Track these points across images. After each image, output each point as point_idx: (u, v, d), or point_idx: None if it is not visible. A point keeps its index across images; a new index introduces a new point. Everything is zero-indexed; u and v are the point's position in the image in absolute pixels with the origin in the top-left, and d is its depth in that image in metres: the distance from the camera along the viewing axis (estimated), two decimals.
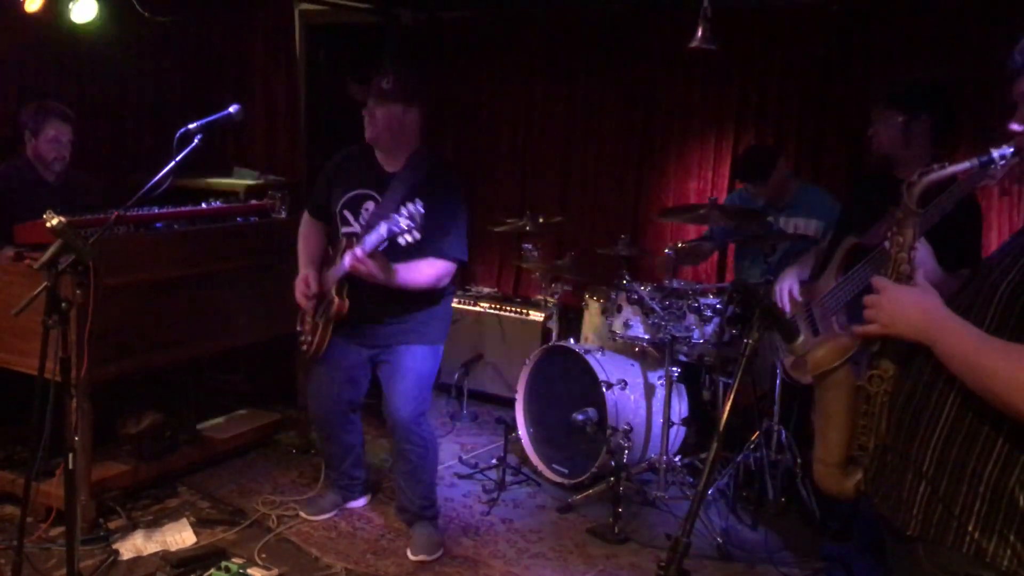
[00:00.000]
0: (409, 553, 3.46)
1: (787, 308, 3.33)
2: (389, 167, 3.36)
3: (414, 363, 3.41)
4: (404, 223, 2.97)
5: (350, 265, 3.11)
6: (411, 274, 3.22)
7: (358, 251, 3.07)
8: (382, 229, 3.02)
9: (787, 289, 3.34)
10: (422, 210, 2.97)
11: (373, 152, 3.39)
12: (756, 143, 4.84)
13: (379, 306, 3.33)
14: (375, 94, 3.26)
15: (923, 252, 1.79)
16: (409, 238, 3.04)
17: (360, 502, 3.88)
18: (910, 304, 1.59)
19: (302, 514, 3.74)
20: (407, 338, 3.40)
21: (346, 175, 3.43)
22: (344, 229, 3.39)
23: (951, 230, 2.53)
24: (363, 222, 3.32)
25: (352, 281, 3.26)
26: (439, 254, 3.25)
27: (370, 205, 3.33)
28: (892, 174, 3.14)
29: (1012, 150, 1.62)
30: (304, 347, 3.52)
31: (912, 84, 3.15)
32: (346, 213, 3.38)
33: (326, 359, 3.50)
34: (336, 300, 3.31)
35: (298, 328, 3.57)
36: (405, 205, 2.98)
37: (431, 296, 3.36)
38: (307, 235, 3.55)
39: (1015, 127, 1.63)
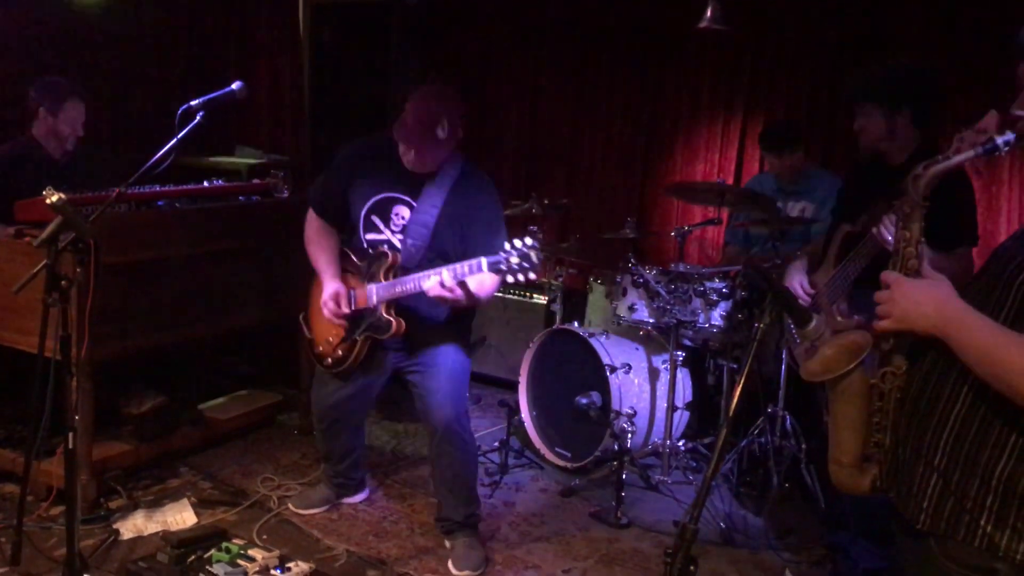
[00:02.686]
0: (451, 567, 3.23)
1: (810, 293, 3.29)
2: (418, 168, 3.11)
3: (447, 361, 3.21)
4: (516, 261, 2.70)
5: (436, 295, 2.91)
6: (482, 293, 3.01)
7: (447, 280, 2.86)
8: (481, 263, 2.76)
9: (797, 285, 3.30)
10: (538, 251, 2.71)
11: (395, 150, 3.11)
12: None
13: (414, 317, 3.15)
14: (429, 145, 3.03)
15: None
16: (521, 277, 2.74)
17: (357, 497, 3.72)
18: (923, 297, 1.55)
19: (291, 507, 3.63)
20: (437, 340, 3.21)
21: (368, 174, 3.17)
22: (370, 236, 3.17)
23: (942, 207, 2.49)
24: (395, 229, 3.14)
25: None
26: None
27: (400, 209, 3.13)
28: (884, 161, 3.11)
29: (1015, 136, 1.58)
30: (328, 361, 3.28)
31: (889, 75, 3.05)
32: (374, 218, 3.16)
33: (344, 372, 3.32)
34: (394, 323, 3.09)
35: (308, 336, 3.38)
36: (512, 241, 2.73)
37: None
38: (321, 240, 3.29)
39: (1019, 112, 1.59)
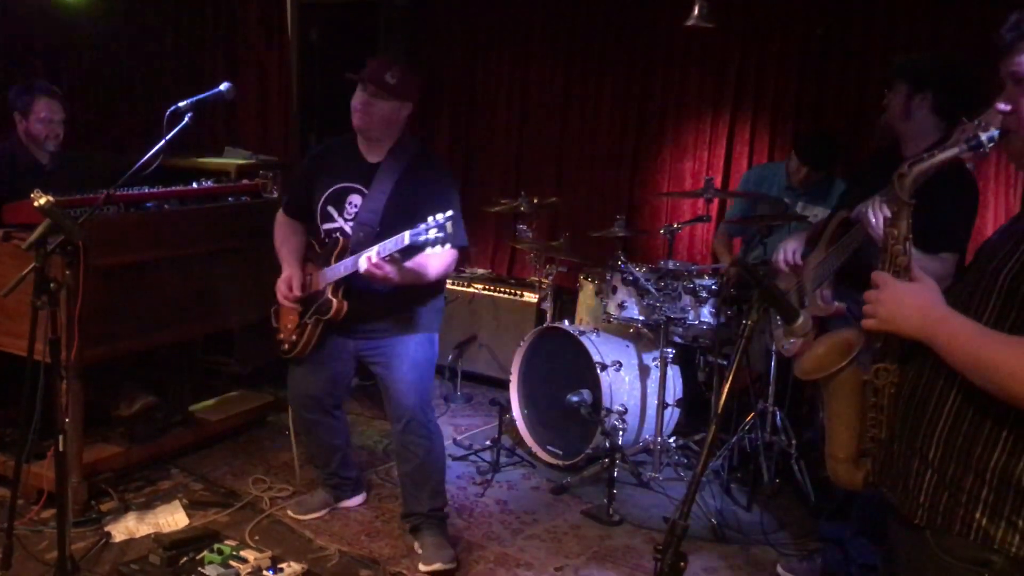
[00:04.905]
0: (420, 566, 3.21)
1: (790, 263, 3.22)
2: (372, 157, 3.21)
3: (408, 352, 3.23)
4: (433, 233, 2.78)
5: (365, 270, 2.95)
6: (423, 271, 3.08)
7: (374, 256, 2.91)
8: (404, 238, 2.84)
9: (791, 249, 3.24)
10: (450, 217, 2.79)
11: (356, 143, 3.23)
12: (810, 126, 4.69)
13: (369, 300, 3.17)
14: (378, 85, 3.08)
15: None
16: (438, 248, 2.86)
17: (355, 500, 3.69)
18: (908, 301, 1.57)
19: (290, 513, 3.60)
20: (399, 329, 3.23)
21: (328, 169, 3.27)
22: (326, 225, 3.23)
23: (935, 207, 2.49)
24: (348, 216, 3.19)
25: (346, 279, 3.14)
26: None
27: (355, 198, 3.19)
28: (898, 152, 3.11)
29: (999, 132, 1.59)
30: (285, 347, 3.33)
31: (919, 58, 3.13)
32: (329, 208, 3.22)
33: (308, 357, 3.35)
34: (335, 302, 3.15)
35: (274, 324, 3.41)
36: (433, 215, 2.80)
37: (426, 286, 3.20)
38: (286, 234, 3.38)
39: (1001, 107, 1.60)
